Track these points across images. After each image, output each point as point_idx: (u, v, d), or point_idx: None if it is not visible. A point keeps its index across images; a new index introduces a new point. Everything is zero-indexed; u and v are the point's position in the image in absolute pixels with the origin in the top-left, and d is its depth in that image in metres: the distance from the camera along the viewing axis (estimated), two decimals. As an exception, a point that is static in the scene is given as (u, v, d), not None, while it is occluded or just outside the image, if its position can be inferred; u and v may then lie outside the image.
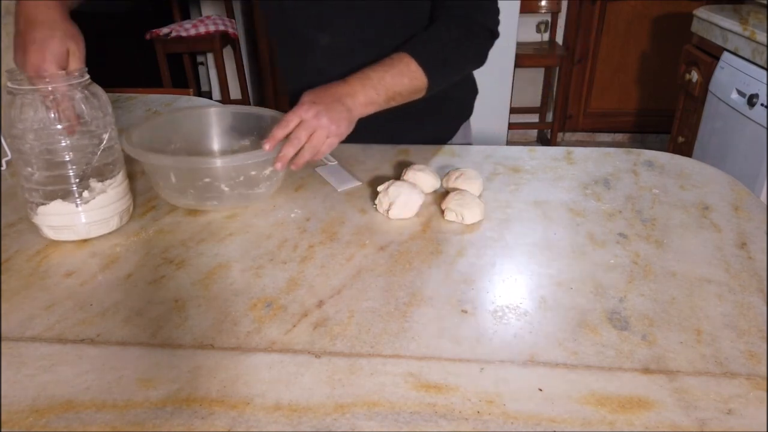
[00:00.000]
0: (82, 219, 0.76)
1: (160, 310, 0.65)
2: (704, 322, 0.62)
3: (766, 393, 0.53)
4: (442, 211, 0.83)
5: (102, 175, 0.77)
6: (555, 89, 3.16)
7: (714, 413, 0.51)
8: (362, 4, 0.97)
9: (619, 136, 3.31)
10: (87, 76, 0.75)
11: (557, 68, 3.03)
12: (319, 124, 0.80)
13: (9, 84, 0.71)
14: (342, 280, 0.69)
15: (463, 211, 0.81)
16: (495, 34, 0.99)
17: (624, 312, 0.64)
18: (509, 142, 3.12)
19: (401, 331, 0.61)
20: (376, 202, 0.84)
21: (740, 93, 1.88)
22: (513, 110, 2.82)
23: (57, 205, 0.75)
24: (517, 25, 2.47)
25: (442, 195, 0.86)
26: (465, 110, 1.19)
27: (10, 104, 0.71)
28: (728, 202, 0.87)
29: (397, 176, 0.91)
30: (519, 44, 2.66)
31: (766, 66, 1.77)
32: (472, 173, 0.88)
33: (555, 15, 3.00)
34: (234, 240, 0.78)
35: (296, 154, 0.81)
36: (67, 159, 0.74)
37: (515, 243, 0.77)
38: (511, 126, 2.88)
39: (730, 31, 1.95)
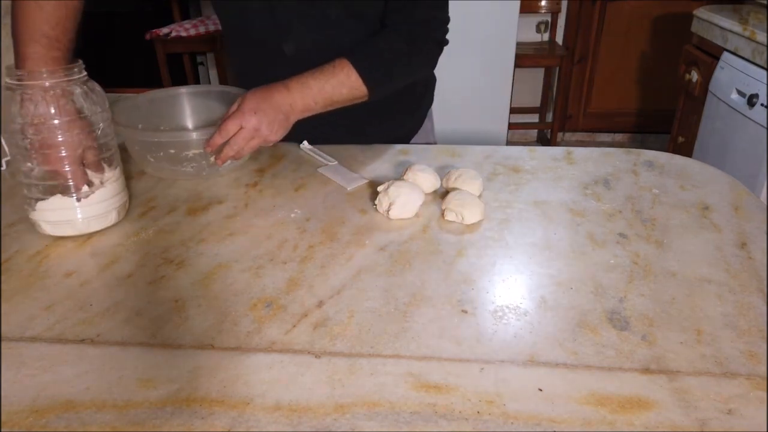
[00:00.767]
0: (81, 214, 0.77)
1: (160, 310, 0.65)
2: (704, 322, 0.62)
3: (766, 393, 0.53)
4: (442, 211, 0.83)
5: (100, 169, 0.78)
6: (555, 89, 3.16)
7: (714, 413, 0.51)
8: (327, 13, 0.96)
9: (619, 136, 3.31)
10: (84, 72, 0.76)
11: (557, 68, 3.03)
12: (258, 133, 0.86)
13: (8, 80, 0.72)
14: (342, 280, 0.69)
15: (463, 211, 0.81)
16: (443, 43, 1.00)
17: (624, 312, 0.64)
18: (509, 142, 3.12)
19: (401, 331, 0.61)
20: (376, 202, 0.84)
21: (740, 93, 1.88)
22: (513, 110, 2.81)
23: (56, 200, 0.76)
24: (517, 25, 2.47)
25: (442, 195, 0.86)
26: (425, 100, 1.19)
27: (10, 99, 0.72)
28: (728, 202, 0.87)
29: (397, 176, 0.91)
30: (519, 44, 2.66)
31: (766, 66, 1.77)
32: (472, 173, 0.88)
33: (555, 15, 3.00)
34: (234, 240, 0.78)
35: (222, 149, 0.87)
36: (65, 154, 0.75)
37: (515, 243, 0.77)
38: (511, 126, 2.88)
39: (730, 31, 1.95)
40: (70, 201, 0.76)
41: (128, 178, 0.91)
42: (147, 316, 0.64)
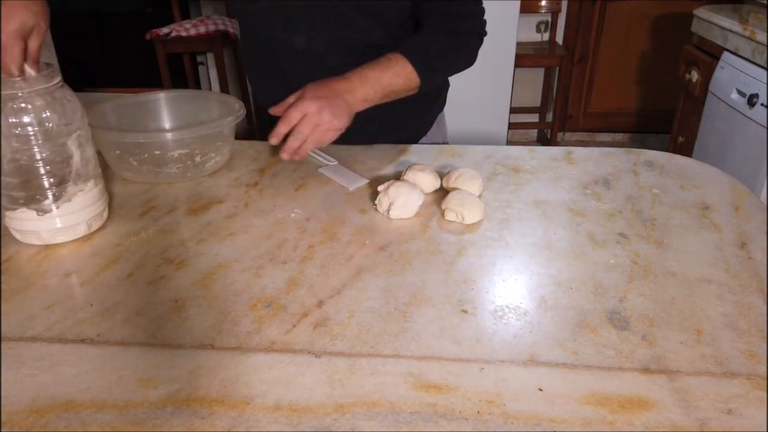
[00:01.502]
0: (46, 226, 0.75)
1: (160, 310, 0.65)
2: (704, 322, 0.62)
3: (766, 393, 0.53)
4: (442, 211, 0.83)
5: (67, 183, 0.75)
6: (555, 89, 3.16)
7: (714, 413, 0.51)
8: (339, 8, 0.97)
9: (619, 136, 3.31)
10: (57, 79, 0.73)
11: (557, 68, 3.03)
12: (321, 119, 0.84)
13: None
14: (342, 280, 0.69)
15: (463, 211, 0.81)
16: (483, 35, 1.02)
17: (624, 312, 0.64)
18: (509, 142, 3.12)
19: (401, 331, 0.61)
20: (376, 202, 0.84)
21: (740, 93, 1.88)
22: (513, 110, 2.81)
23: (20, 212, 0.74)
24: (517, 25, 2.47)
25: (442, 195, 0.86)
26: (439, 103, 1.21)
27: None
28: (728, 202, 0.87)
29: (397, 176, 0.91)
30: (519, 44, 2.66)
31: (766, 66, 1.77)
32: (472, 173, 0.88)
33: (555, 15, 3.00)
34: (234, 240, 0.78)
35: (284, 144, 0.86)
36: (23, 165, 0.72)
37: (515, 243, 0.77)
38: (511, 126, 2.88)
39: (730, 31, 1.95)
40: (32, 214, 0.74)
41: (123, 181, 0.91)
42: (147, 316, 0.64)
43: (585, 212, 0.85)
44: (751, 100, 1.81)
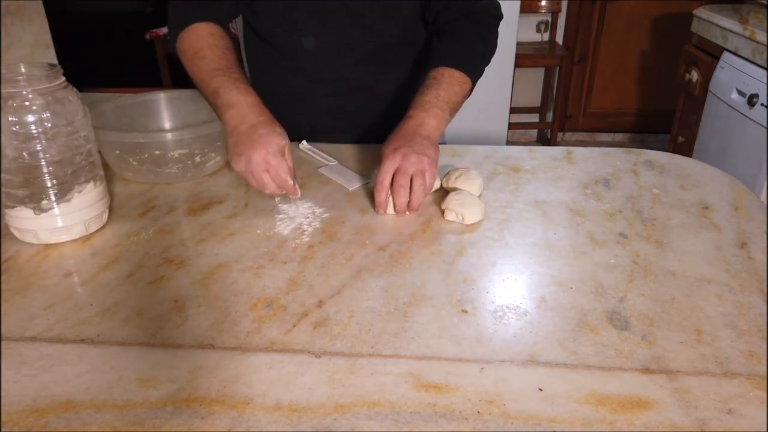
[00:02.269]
0: (45, 225, 0.75)
1: (160, 310, 0.65)
2: (704, 322, 0.62)
3: (766, 393, 0.53)
4: (442, 211, 0.83)
5: (65, 183, 0.75)
6: (555, 89, 3.15)
7: (714, 413, 0.51)
8: (352, 6, 0.97)
9: (619, 136, 3.31)
10: (61, 79, 0.73)
11: (557, 68, 3.03)
12: (409, 163, 0.81)
13: None
14: (342, 280, 0.69)
15: (463, 211, 0.81)
16: (500, 17, 1.03)
17: (624, 312, 0.64)
18: (509, 142, 3.12)
19: (401, 331, 0.61)
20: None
21: (740, 93, 1.88)
22: (513, 110, 2.81)
23: (20, 210, 0.74)
24: (517, 25, 2.47)
25: (442, 195, 0.86)
26: None
27: None
28: (728, 202, 0.87)
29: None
30: (519, 44, 2.66)
31: (766, 66, 1.77)
32: (472, 173, 0.88)
33: (555, 15, 3.00)
34: (234, 240, 0.78)
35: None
36: (26, 164, 0.72)
37: (515, 243, 0.77)
38: (511, 126, 2.88)
39: (730, 31, 1.95)
40: (30, 212, 0.74)
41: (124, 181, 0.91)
42: (147, 316, 0.64)
43: (585, 212, 0.85)
44: (751, 100, 1.81)
